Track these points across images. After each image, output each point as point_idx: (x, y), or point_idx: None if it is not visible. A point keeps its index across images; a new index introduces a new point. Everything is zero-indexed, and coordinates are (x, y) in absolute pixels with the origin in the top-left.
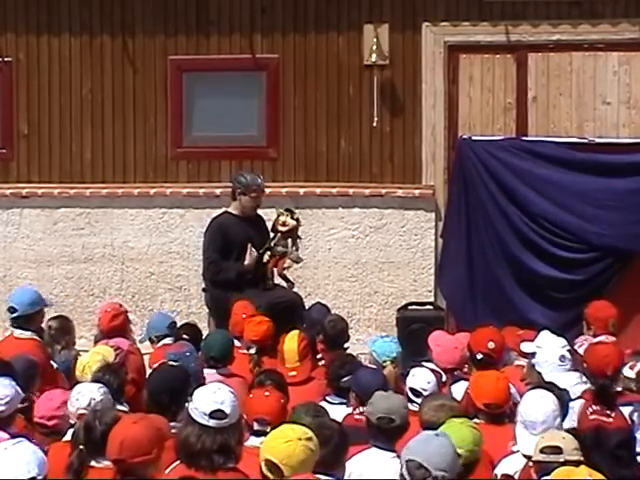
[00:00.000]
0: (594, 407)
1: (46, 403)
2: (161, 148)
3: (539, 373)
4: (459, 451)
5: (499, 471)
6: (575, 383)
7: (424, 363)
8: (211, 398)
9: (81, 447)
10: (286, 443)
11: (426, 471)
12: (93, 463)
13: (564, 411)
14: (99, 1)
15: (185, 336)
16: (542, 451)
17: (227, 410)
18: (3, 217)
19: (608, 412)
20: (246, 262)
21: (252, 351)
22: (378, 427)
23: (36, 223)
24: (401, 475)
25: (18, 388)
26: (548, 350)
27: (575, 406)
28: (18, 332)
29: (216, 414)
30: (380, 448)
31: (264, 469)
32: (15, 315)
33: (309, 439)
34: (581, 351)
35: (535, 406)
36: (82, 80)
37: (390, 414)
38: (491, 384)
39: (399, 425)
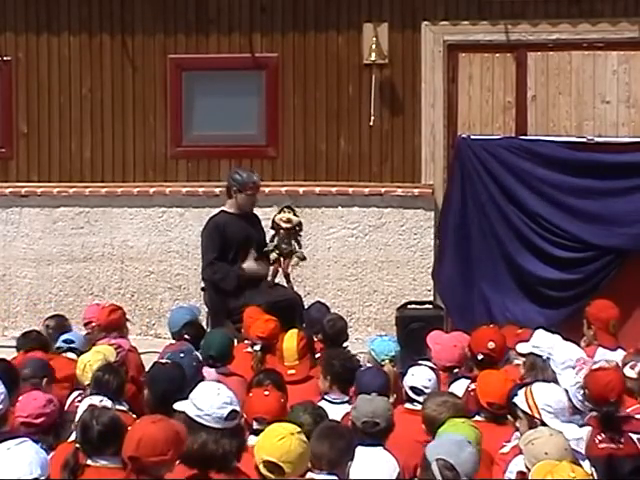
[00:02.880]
0: (603, 435)
1: (30, 402)
2: (160, 147)
3: (553, 372)
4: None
5: (514, 467)
6: (575, 383)
7: (423, 362)
8: (220, 400)
9: (77, 446)
10: (281, 440)
11: (456, 474)
12: (89, 462)
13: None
14: (99, 0)
15: (186, 336)
16: None
17: (237, 408)
18: (2, 216)
19: (617, 439)
20: (245, 265)
21: (257, 348)
22: (363, 431)
23: (35, 222)
24: (424, 468)
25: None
26: (566, 348)
27: (584, 434)
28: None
29: (232, 415)
30: (366, 445)
31: (263, 471)
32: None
33: (300, 432)
34: (581, 374)
35: (556, 394)
36: (81, 79)
37: (374, 418)
38: (498, 384)
39: (384, 428)
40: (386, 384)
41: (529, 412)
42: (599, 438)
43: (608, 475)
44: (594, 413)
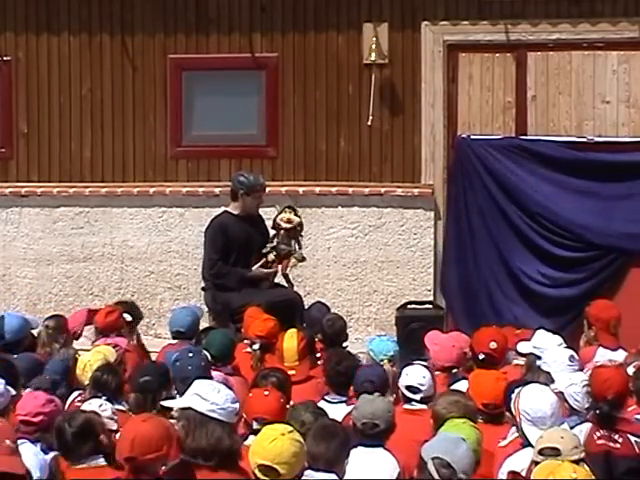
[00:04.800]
0: (601, 432)
1: (30, 401)
2: (160, 147)
3: (547, 373)
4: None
5: (506, 469)
6: (570, 384)
7: (415, 362)
8: (231, 395)
9: (56, 453)
10: (272, 442)
11: (453, 472)
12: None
13: None
14: (98, 0)
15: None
16: (541, 452)
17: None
18: (2, 216)
19: (615, 437)
20: (253, 270)
21: (255, 347)
22: (362, 432)
23: (35, 222)
24: (421, 468)
25: (9, 387)
26: (557, 349)
27: (583, 429)
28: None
29: (240, 412)
30: (366, 446)
31: (259, 474)
32: (4, 342)
33: (291, 432)
34: (588, 375)
35: (540, 401)
36: (81, 79)
37: (374, 419)
38: (490, 384)
39: (384, 429)
40: (382, 376)
41: (514, 413)
42: (597, 435)
43: (604, 472)
44: (597, 411)
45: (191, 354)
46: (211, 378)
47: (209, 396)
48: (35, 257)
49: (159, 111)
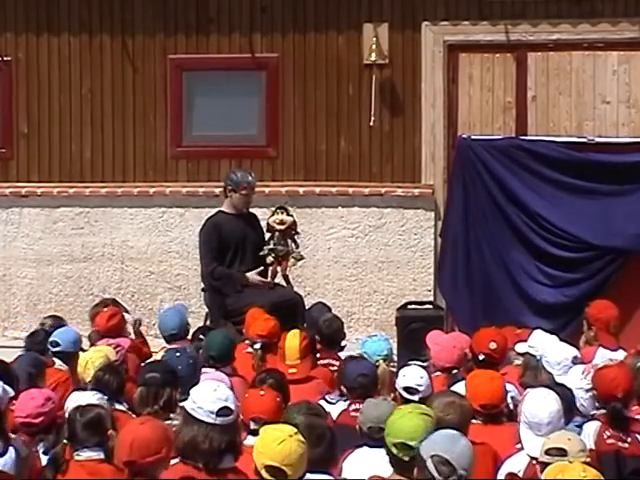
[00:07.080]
0: (611, 431)
1: (28, 402)
2: (161, 147)
3: (549, 374)
4: (412, 443)
5: (504, 470)
6: (581, 387)
7: (412, 362)
8: (215, 396)
9: (64, 442)
10: (280, 444)
11: (453, 469)
12: (75, 457)
13: (570, 409)
14: (99, 0)
15: (201, 336)
16: (547, 452)
17: (232, 406)
18: (3, 216)
19: (624, 437)
20: (249, 275)
21: (257, 346)
22: (369, 435)
23: (36, 222)
24: (420, 466)
25: (8, 387)
26: (559, 350)
27: (590, 427)
28: (59, 363)
29: (223, 411)
30: (371, 447)
31: (265, 475)
32: (57, 349)
33: (297, 433)
34: (589, 378)
35: (539, 407)
36: (82, 79)
37: (380, 423)
38: (486, 385)
39: None
40: (372, 369)
41: (519, 412)
42: (607, 434)
43: (613, 472)
44: (603, 411)
45: (178, 354)
46: (199, 376)
47: (196, 395)
48: (35, 257)
49: (159, 111)
